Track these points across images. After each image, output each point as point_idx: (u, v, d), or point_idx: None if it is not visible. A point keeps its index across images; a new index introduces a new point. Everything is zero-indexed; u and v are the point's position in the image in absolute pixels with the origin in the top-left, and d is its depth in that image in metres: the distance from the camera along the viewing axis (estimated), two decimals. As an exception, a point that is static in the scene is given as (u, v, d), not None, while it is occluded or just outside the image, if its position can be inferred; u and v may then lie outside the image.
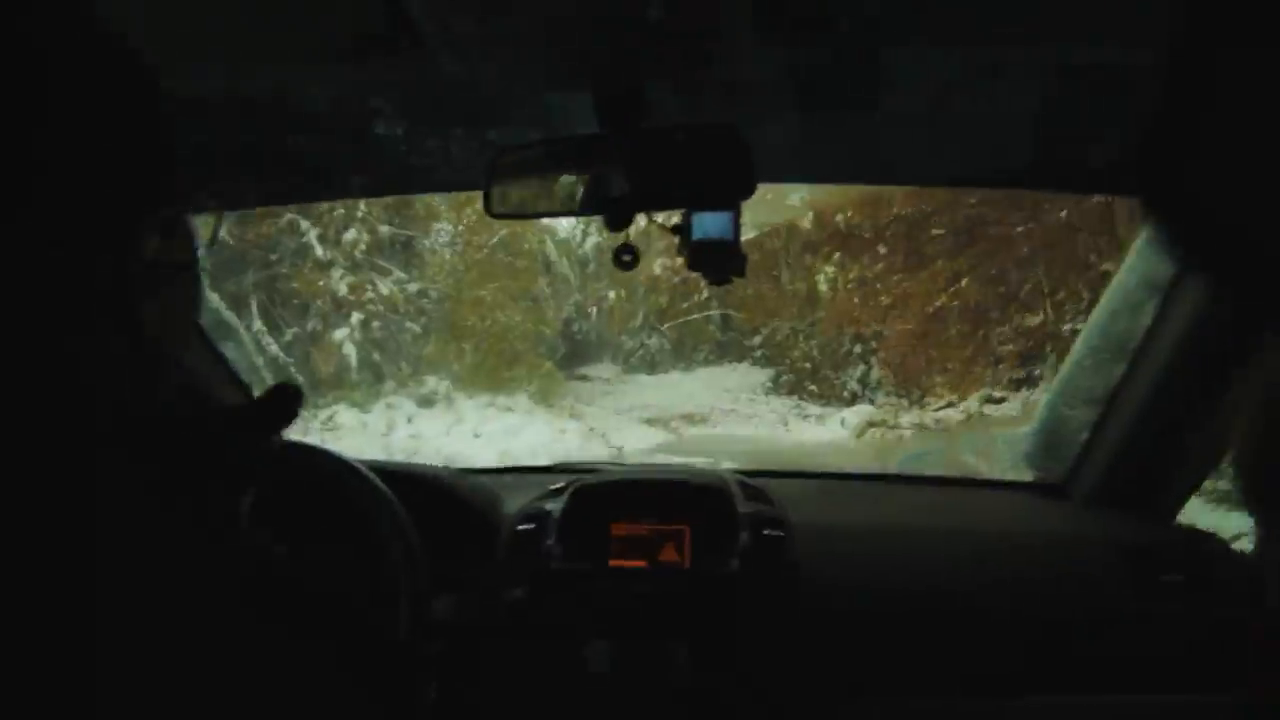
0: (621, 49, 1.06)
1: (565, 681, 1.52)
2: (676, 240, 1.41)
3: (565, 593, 1.55)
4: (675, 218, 1.38)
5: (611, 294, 18.52)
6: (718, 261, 1.42)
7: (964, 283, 12.62)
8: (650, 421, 14.81)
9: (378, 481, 1.32)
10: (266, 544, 0.57)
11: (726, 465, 2.12)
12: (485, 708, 1.53)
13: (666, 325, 18.32)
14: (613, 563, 1.60)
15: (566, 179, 1.31)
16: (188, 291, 0.69)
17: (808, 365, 15.84)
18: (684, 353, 18.44)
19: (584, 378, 18.33)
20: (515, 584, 1.55)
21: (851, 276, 15.63)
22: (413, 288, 14.59)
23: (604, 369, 18.85)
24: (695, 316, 18.00)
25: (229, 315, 1.68)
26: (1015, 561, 1.61)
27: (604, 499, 1.65)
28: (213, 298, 1.67)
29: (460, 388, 14.16)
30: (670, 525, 1.63)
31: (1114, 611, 1.53)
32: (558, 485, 1.71)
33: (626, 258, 1.32)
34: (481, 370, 14.65)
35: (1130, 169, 1.39)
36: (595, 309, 19.35)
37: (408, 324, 14.30)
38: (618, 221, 1.28)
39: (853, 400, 14.69)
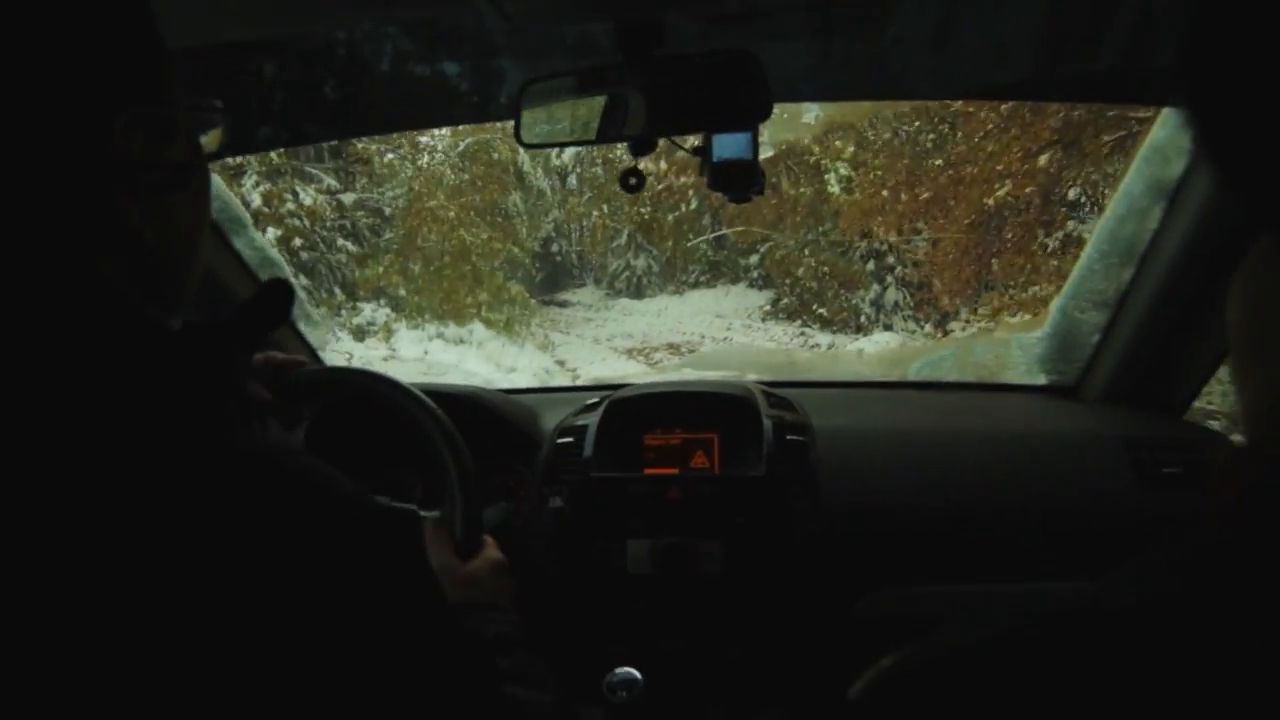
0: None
1: (607, 578, 1.64)
2: (699, 161, 1.48)
3: (603, 499, 1.66)
4: (695, 140, 1.44)
5: (595, 213, 17.00)
6: (738, 180, 1.48)
7: (1042, 161, 9.97)
8: (630, 353, 13.80)
9: (428, 401, 1.41)
10: (321, 469, 0.58)
11: (751, 377, 2.20)
12: (535, 605, 1.65)
13: (654, 245, 16.85)
14: (646, 470, 1.71)
15: (591, 107, 1.37)
16: (195, 193, 0.67)
17: (814, 285, 14.21)
18: (673, 274, 17.15)
19: (564, 304, 17.31)
20: (557, 493, 1.66)
21: (876, 168, 13.28)
22: (348, 198, 12.96)
23: (586, 294, 17.71)
24: (688, 235, 16.25)
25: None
26: (1026, 459, 1.70)
27: (636, 412, 1.75)
28: (256, 235, 1.75)
29: (407, 316, 12.98)
30: (699, 434, 1.73)
31: (1117, 501, 1.61)
32: (593, 401, 1.81)
33: (633, 180, 1.38)
34: (433, 296, 13.30)
35: (1135, 77, 1.44)
36: (577, 228, 17.97)
37: (340, 241, 12.88)
38: (641, 147, 1.35)
39: (865, 327, 13.31)
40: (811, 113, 13.78)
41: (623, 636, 1.64)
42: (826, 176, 14.82)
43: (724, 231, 16.43)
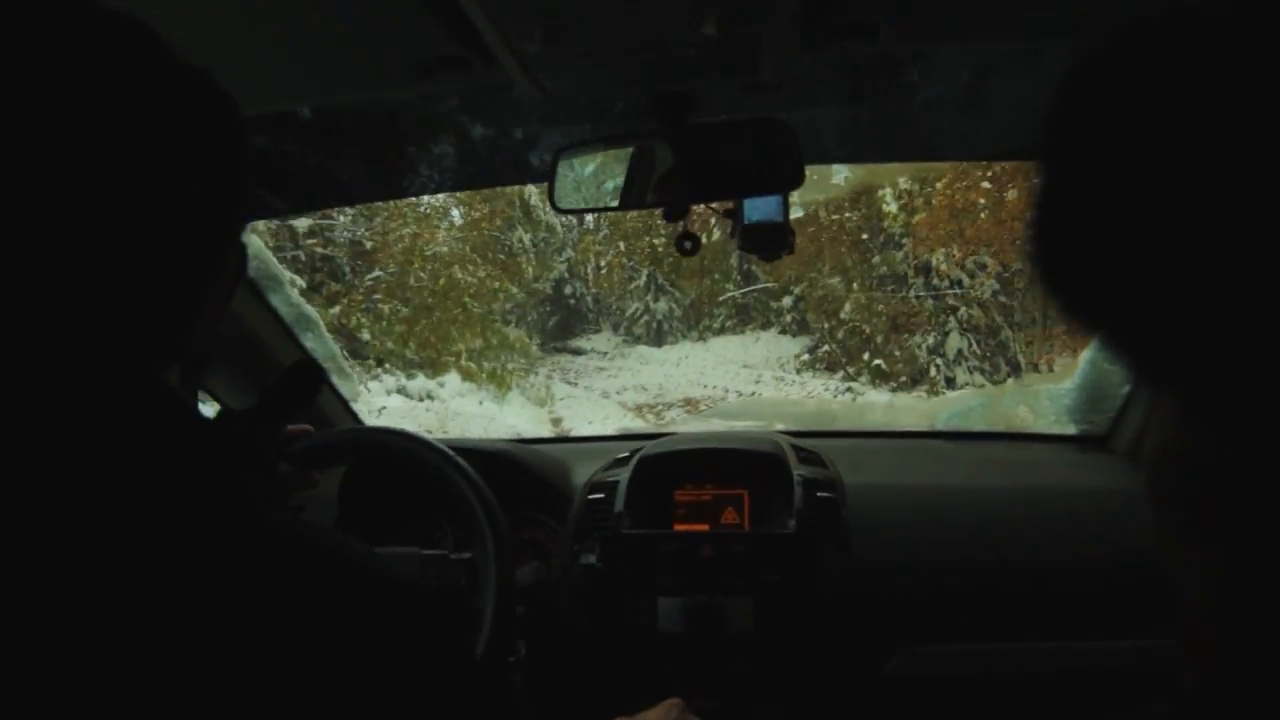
0: (676, 59, 1.13)
1: (638, 636, 1.64)
2: (729, 222, 1.50)
3: (635, 556, 1.66)
4: (728, 202, 1.46)
5: (611, 251, 16.04)
6: (769, 242, 1.50)
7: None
8: (640, 410, 12.56)
9: (465, 464, 1.43)
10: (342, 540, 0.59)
11: (779, 427, 2.21)
12: (568, 661, 1.66)
13: (673, 283, 15.56)
14: (677, 526, 1.71)
15: (624, 173, 1.40)
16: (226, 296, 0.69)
17: (865, 330, 12.42)
18: (697, 319, 15.98)
19: (576, 351, 16.10)
20: (589, 549, 1.67)
21: (943, 184, 11.37)
22: (300, 225, 11.49)
23: (600, 340, 16.41)
24: (713, 276, 15.00)
25: (308, 308, 1.79)
26: (1057, 515, 1.69)
27: (667, 467, 1.76)
28: (292, 292, 1.79)
29: (365, 364, 11.26)
30: (730, 490, 1.73)
31: (1148, 558, 1.60)
32: (623, 455, 1.82)
33: (688, 245, 1.40)
34: (403, 341, 11.84)
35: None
36: (592, 268, 16.76)
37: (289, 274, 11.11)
38: (675, 213, 1.37)
39: (932, 381, 11.51)
40: (841, 174, 13.16)
41: (653, 696, 1.64)
42: (880, 194, 13.34)
43: (753, 289, 15.22)
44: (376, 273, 12.43)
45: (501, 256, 14.81)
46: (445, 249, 13.05)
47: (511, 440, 1.91)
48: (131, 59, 0.57)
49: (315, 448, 1.50)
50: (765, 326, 15.37)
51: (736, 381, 13.61)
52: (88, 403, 0.54)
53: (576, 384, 14.32)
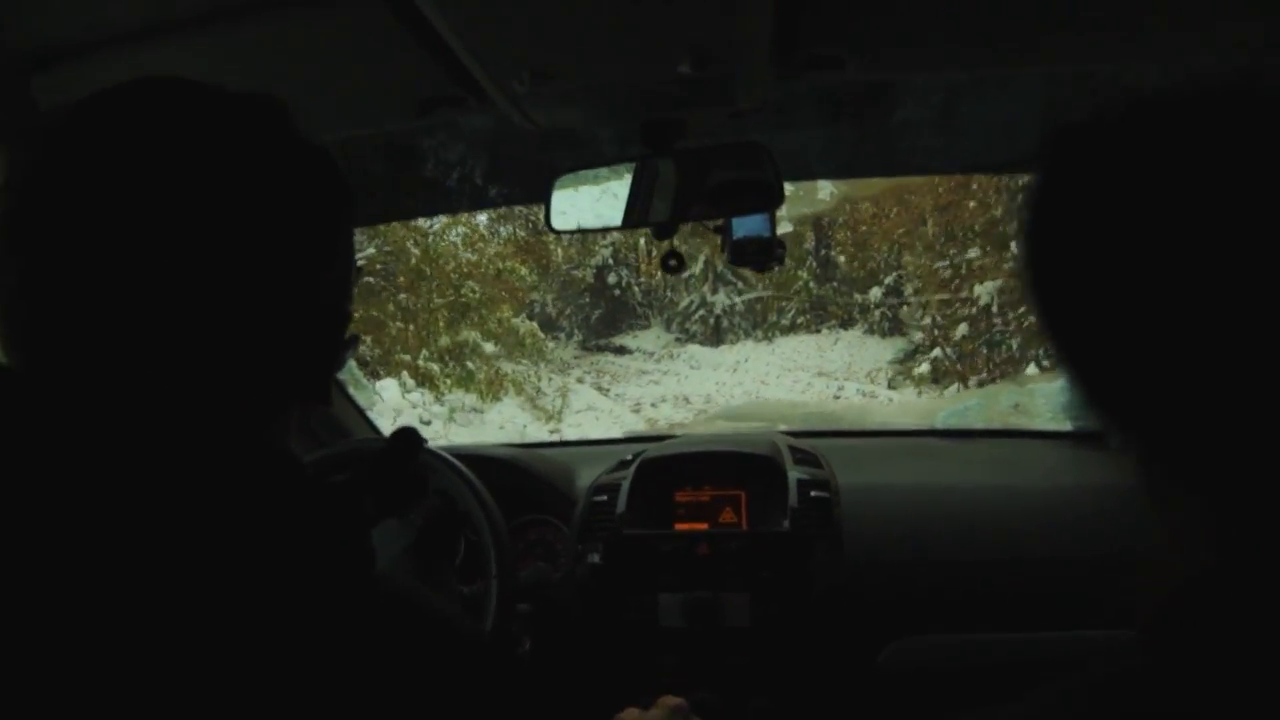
0: (659, 94, 1.21)
1: (639, 631, 1.73)
2: (719, 239, 1.57)
3: (636, 555, 1.75)
4: (716, 220, 1.54)
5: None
6: (757, 255, 1.57)
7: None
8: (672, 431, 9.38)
9: (470, 475, 1.53)
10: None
11: (780, 427, 2.28)
12: (572, 657, 1.74)
13: (735, 273, 12.89)
14: (677, 526, 1.79)
15: (617, 195, 1.47)
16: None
17: (999, 325, 9.31)
18: (762, 314, 13.52)
19: (620, 350, 13.79)
20: (592, 549, 1.75)
21: None
22: None
23: (649, 337, 13.93)
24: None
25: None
26: (1049, 512, 1.75)
27: (667, 470, 1.84)
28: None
29: None
30: (728, 490, 1.81)
31: (1138, 553, 1.65)
32: (626, 458, 1.90)
33: (673, 263, 1.48)
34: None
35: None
36: (640, 252, 14.11)
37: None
38: (664, 231, 1.45)
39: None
40: (826, 189, 12.27)
41: (654, 688, 1.72)
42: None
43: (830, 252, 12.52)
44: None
45: (522, 234, 13.09)
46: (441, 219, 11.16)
47: (517, 445, 2.00)
48: (264, 136, 0.62)
49: (330, 457, 1.60)
50: (846, 324, 12.79)
51: (809, 394, 11.16)
52: (216, 467, 0.57)
53: (608, 390, 12.01)
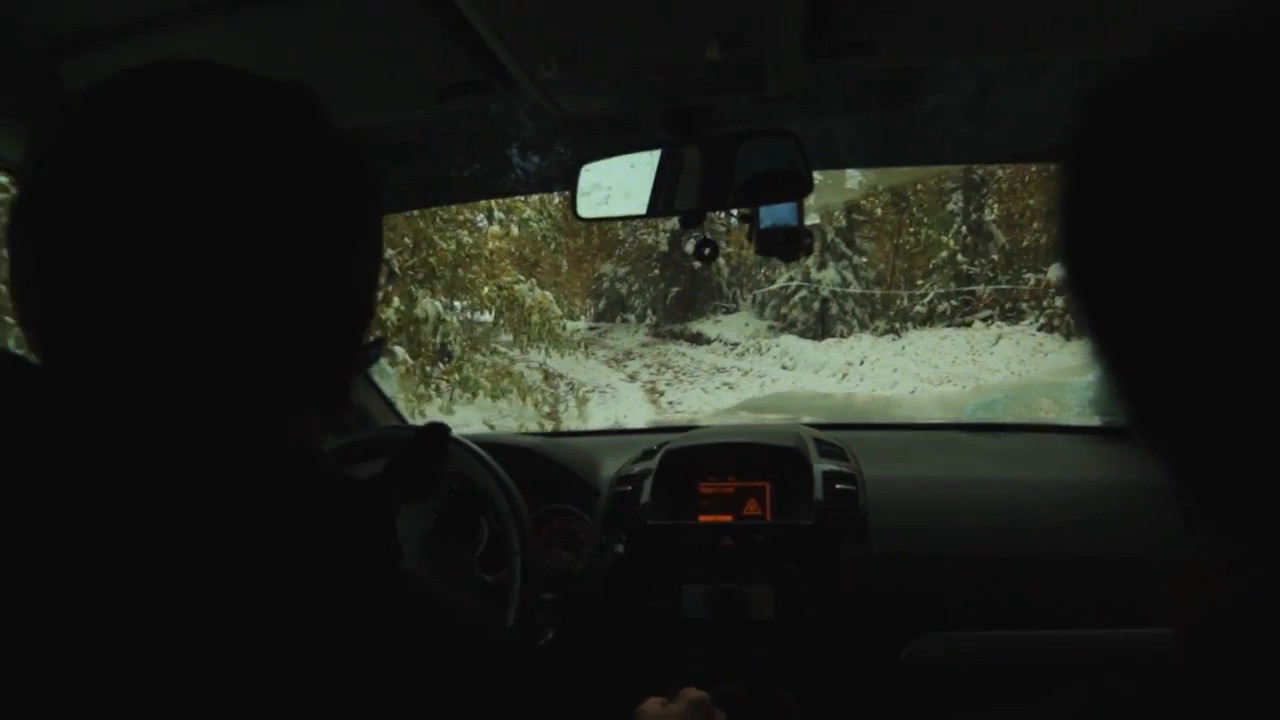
0: (687, 79, 1.19)
1: (663, 622, 1.72)
2: (745, 227, 1.56)
3: (660, 545, 1.74)
4: (744, 208, 1.52)
5: None
6: (784, 245, 1.56)
7: None
8: None
9: (492, 462, 1.52)
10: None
11: (806, 419, 2.26)
12: (595, 647, 1.74)
13: (851, 244, 10.01)
14: (701, 518, 1.78)
15: (643, 182, 1.46)
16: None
17: None
18: (887, 299, 10.29)
19: (697, 339, 11.39)
20: (616, 539, 1.75)
21: None
22: None
23: (734, 324, 11.26)
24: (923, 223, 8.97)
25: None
26: (1074, 508, 1.73)
27: (692, 460, 1.83)
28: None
29: None
30: (752, 482, 1.80)
31: (1164, 550, 1.63)
32: (650, 448, 1.89)
33: (707, 251, 1.47)
34: None
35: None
36: (726, 215, 9.52)
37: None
38: (691, 221, 1.44)
39: None
40: (855, 178, 10.65)
41: (677, 679, 1.72)
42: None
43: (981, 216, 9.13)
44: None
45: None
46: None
47: (541, 434, 1.99)
48: (293, 125, 0.61)
49: (354, 444, 1.60)
50: (1010, 315, 9.56)
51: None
52: (235, 462, 0.56)
53: (661, 395, 9.71)
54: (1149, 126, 0.43)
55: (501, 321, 9.12)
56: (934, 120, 1.50)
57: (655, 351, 10.97)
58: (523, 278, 9.51)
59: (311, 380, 0.63)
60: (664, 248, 11.66)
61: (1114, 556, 1.65)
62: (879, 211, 10.17)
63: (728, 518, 1.77)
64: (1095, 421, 2.14)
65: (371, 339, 0.70)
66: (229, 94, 0.59)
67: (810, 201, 1.57)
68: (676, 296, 11.90)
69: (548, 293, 9.48)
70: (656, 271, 11.76)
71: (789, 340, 10.55)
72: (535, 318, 8.97)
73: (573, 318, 12.31)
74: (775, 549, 1.70)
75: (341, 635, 0.53)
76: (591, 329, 12.31)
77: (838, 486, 1.73)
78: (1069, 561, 1.67)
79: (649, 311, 12.17)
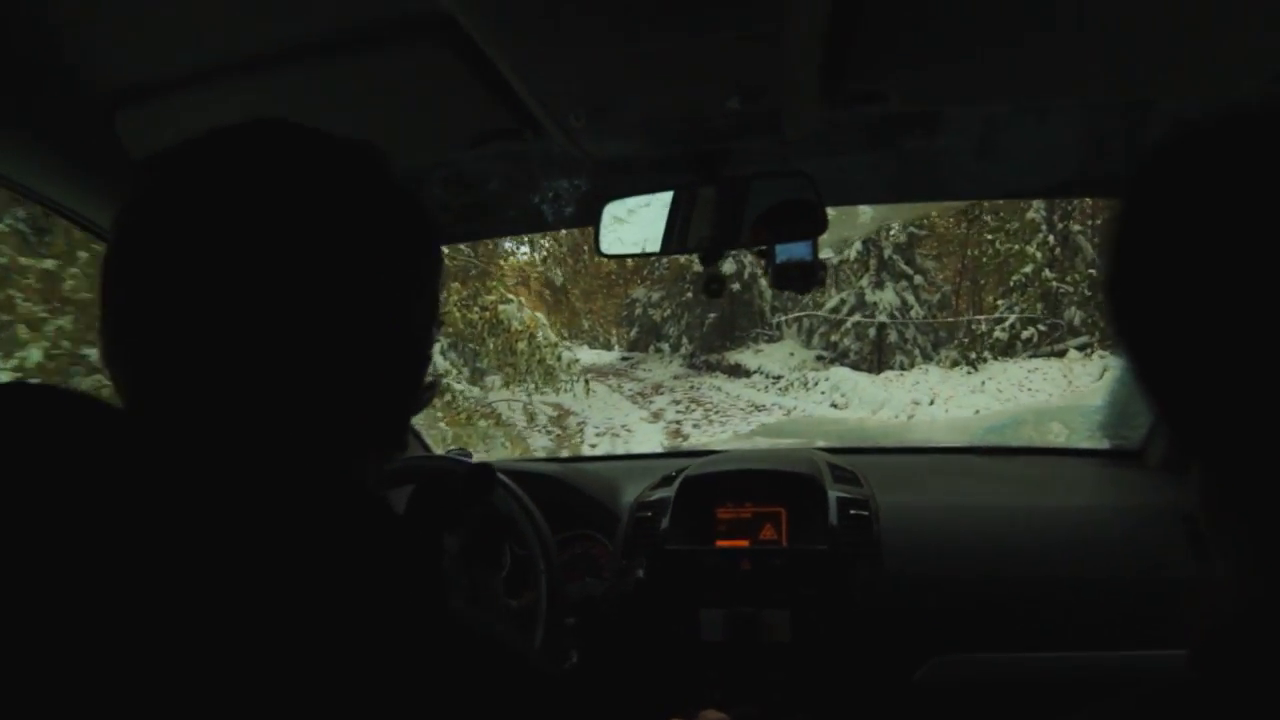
0: (708, 127, 1.25)
1: (682, 644, 1.76)
2: (762, 262, 1.61)
3: (679, 570, 1.78)
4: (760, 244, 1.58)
5: None
6: (800, 279, 1.61)
7: None
8: None
9: (519, 490, 1.57)
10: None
11: (819, 443, 2.30)
12: (616, 670, 1.78)
13: (910, 260, 8.79)
14: (719, 543, 1.83)
15: (664, 220, 1.52)
16: None
17: None
18: (955, 327, 9.01)
19: (735, 370, 10.05)
20: (637, 564, 1.79)
21: None
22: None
23: (778, 355, 9.81)
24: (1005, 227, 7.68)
25: None
26: (1083, 532, 1.76)
27: (709, 487, 1.88)
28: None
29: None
30: (768, 508, 1.84)
31: (1171, 574, 1.66)
32: (669, 474, 1.94)
33: (715, 286, 1.52)
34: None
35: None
36: None
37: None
38: (710, 258, 1.50)
39: None
40: (867, 214, 9.73)
41: (696, 702, 1.76)
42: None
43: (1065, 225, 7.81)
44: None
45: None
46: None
47: (561, 460, 2.04)
48: (362, 180, 0.65)
49: (386, 473, 1.65)
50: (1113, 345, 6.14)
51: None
52: (305, 505, 0.59)
53: (685, 440, 8.72)
54: (1208, 179, 0.48)
55: (482, 349, 7.82)
56: (943, 159, 1.56)
57: (687, 385, 9.95)
58: (511, 296, 8.14)
59: (376, 422, 0.68)
60: (698, 268, 10.36)
61: (1123, 579, 1.68)
62: (945, 223, 8.67)
63: (745, 543, 1.82)
64: (1104, 445, 2.18)
65: (428, 381, 0.74)
66: (305, 151, 0.64)
67: (824, 238, 1.63)
68: (714, 323, 10.77)
69: (539, 314, 8.21)
70: (690, 295, 10.68)
71: (841, 373, 9.09)
72: (523, 345, 7.72)
73: (607, 347, 11.76)
74: (791, 573, 1.74)
75: (398, 667, 0.55)
76: (624, 359, 11.41)
77: (852, 512, 1.77)
78: (1079, 584, 1.70)
79: (684, 340, 11.10)
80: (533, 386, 8.20)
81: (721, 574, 1.76)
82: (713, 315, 10.75)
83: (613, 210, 1.52)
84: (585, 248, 11.05)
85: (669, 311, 11.21)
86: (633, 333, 11.48)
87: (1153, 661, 1.59)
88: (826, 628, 1.71)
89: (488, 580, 1.59)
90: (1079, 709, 0.52)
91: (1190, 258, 0.47)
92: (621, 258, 1.57)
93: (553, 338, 8.29)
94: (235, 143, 0.64)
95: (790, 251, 1.57)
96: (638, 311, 11.38)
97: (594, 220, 1.52)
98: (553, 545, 1.56)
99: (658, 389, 9.88)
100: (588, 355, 11.10)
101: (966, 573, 1.74)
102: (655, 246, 1.54)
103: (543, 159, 1.46)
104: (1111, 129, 1.48)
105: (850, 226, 10.39)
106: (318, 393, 0.62)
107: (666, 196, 1.50)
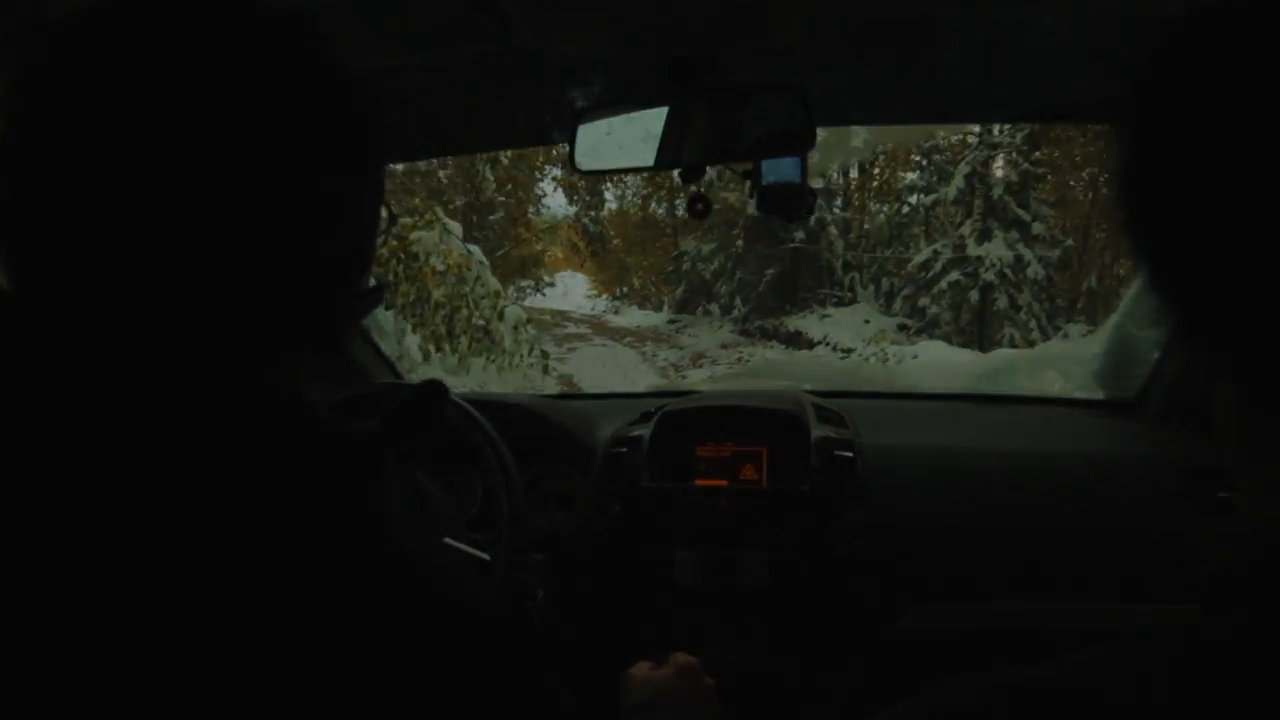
0: (690, 23, 1.16)
1: (654, 586, 1.70)
2: (748, 184, 1.52)
3: (655, 509, 1.72)
4: (746, 163, 1.49)
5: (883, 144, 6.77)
6: (787, 202, 1.52)
7: None
8: None
9: (482, 419, 1.50)
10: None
11: (807, 387, 2.24)
12: (585, 609, 1.72)
13: (1023, 203, 7.34)
14: (697, 482, 1.76)
15: (643, 133, 1.43)
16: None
17: None
18: (1089, 292, 7.63)
19: (795, 339, 8.67)
20: (610, 501, 1.73)
21: None
22: None
23: (850, 320, 8.20)
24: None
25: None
26: (1075, 479, 1.70)
27: (689, 424, 1.80)
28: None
29: None
30: (749, 447, 1.77)
31: (1166, 524, 1.61)
32: (647, 411, 1.87)
33: (700, 206, 1.44)
34: None
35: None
36: (841, 168, 7.95)
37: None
38: (691, 173, 1.41)
39: None
40: (860, 136, 9.48)
41: (667, 644, 1.70)
42: None
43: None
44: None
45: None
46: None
47: (535, 395, 1.97)
48: (292, 54, 0.59)
49: (350, 400, 1.58)
50: None
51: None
52: (211, 405, 0.55)
53: None
54: (1235, 49, 0.42)
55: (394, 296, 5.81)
56: (940, 77, 1.47)
57: (734, 357, 8.33)
58: (438, 216, 6.02)
59: (301, 320, 0.62)
60: (751, 212, 8.01)
61: (1113, 530, 1.63)
62: (1073, 155, 6.57)
63: (724, 482, 1.75)
64: (1099, 395, 2.12)
65: (370, 285, 0.69)
66: (224, 21, 0.57)
67: (813, 160, 1.54)
68: (772, 281, 9.05)
69: (473, 248, 6.19)
70: (741, 245, 8.82)
71: (932, 348, 7.36)
72: (441, 293, 5.63)
73: (658, 308, 10.06)
74: (771, 515, 1.68)
75: (317, 585, 0.52)
76: (671, 323, 10.06)
77: (836, 453, 1.70)
78: (1067, 534, 1.65)
79: (736, 301, 9.56)
80: (458, 358, 6.35)
81: (698, 514, 1.70)
82: (770, 271, 8.98)
83: (589, 126, 1.43)
84: (627, 196, 9.53)
85: (717, 265, 9.70)
86: (679, 291, 10.10)
87: (1143, 614, 1.54)
88: (805, 572, 1.65)
89: (450, 513, 1.52)
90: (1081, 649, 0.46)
91: (1221, 135, 0.41)
92: (599, 174, 1.49)
93: (493, 284, 6.39)
94: (143, 10, 0.56)
95: (778, 172, 1.48)
96: (686, 266, 10.00)
97: (568, 135, 1.43)
98: (516, 477, 1.49)
99: (697, 360, 8.38)
100: (636, 316, 10.03)
101: (952, 519, 1.68)
102: (639, 162, 1.45)
103: (513, 63, 1.36)
104: (1125, 46, 1.38)
105: (843, 151, 9.89)
106: (231, 281, 0.56)
107: (650, 113, 1.41)
